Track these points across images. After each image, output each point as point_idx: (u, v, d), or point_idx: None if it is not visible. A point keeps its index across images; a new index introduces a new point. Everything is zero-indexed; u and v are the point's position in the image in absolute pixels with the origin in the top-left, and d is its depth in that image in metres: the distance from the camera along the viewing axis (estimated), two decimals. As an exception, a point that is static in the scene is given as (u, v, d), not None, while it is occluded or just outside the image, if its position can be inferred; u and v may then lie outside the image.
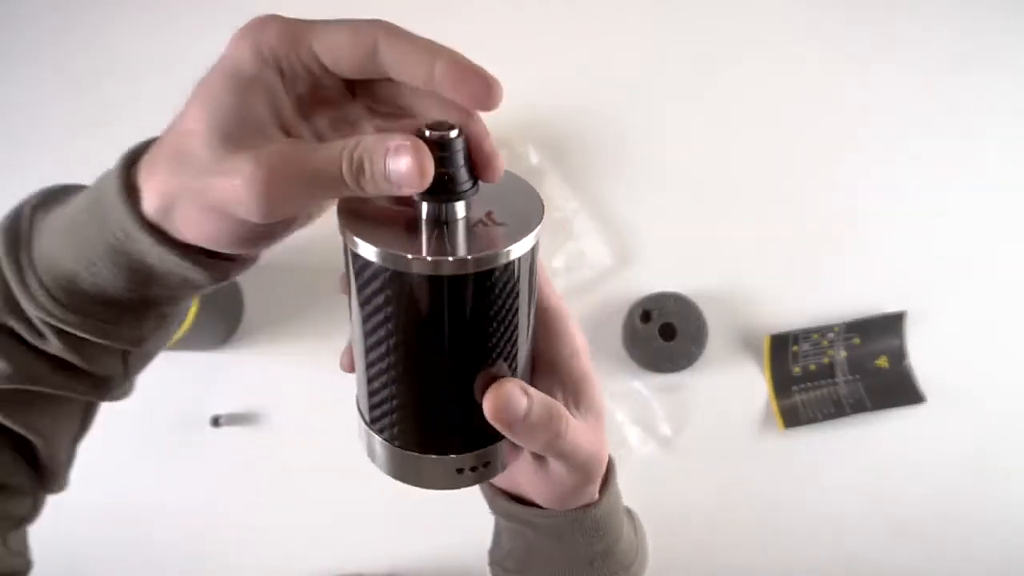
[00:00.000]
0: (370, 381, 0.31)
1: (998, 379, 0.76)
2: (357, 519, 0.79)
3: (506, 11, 0.83)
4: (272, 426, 0.80)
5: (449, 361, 0.29)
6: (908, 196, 0.79)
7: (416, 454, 0.32)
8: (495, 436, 0.32)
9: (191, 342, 0.72)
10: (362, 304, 0.29)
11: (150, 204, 0.29)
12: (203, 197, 0.28)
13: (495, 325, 0.29)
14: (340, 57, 0.28)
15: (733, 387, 0.78)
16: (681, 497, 0.78)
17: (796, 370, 0.76)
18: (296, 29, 0.28)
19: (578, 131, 0.81)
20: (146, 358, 0.36)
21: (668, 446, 0.78)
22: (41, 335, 0.33)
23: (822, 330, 0.76)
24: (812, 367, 0.76)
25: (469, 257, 0.27)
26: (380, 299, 0.28)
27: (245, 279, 0.80)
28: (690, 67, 0.81)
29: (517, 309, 0.30)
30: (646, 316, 0.77)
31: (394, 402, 0.31)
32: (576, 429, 0.32)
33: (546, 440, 0.31)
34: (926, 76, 0.79)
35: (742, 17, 0.81)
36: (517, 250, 0.28)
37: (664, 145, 0.80)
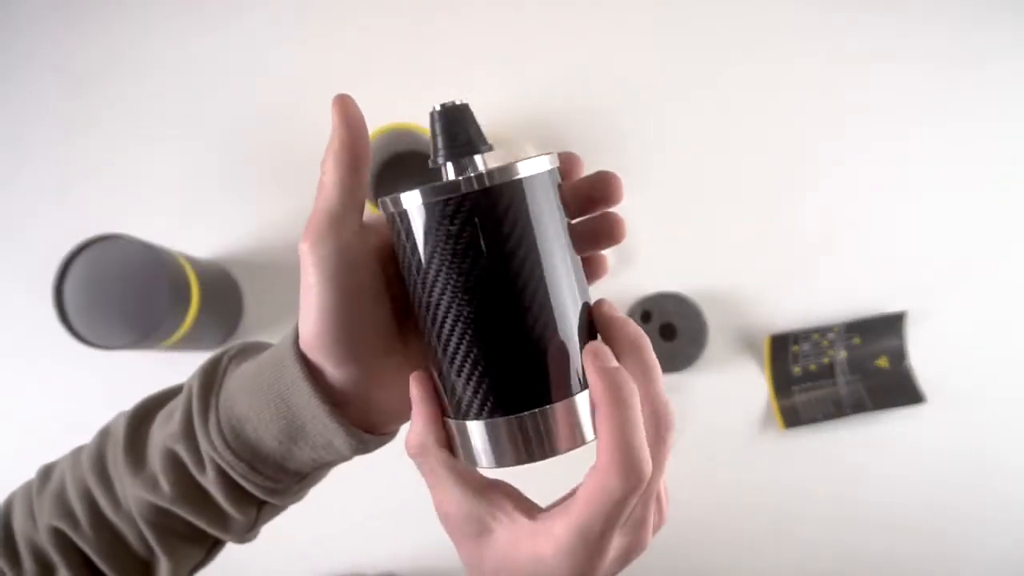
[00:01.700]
0: (458, 356, 0.30)
1: (998, 379, 0.76)
2: (356, 519, 0.79)
3: (506, 11, 0.83)
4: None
5: (540, 278, 0.30)
6: (909, 196, 0.79)
7: (539, 408, 0.30)
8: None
9: (191, 342, 0.72)
10: (430, 264, 0.30)
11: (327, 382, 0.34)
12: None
13: (561, 231, 0.31)
14: None
15: (733, 387, 0.78)
16: (681, 497, 0.78)
17: (796, 370, 0.76)
18: None
19: (578, 131, 0.81)
20: (274, 512, 0.40)
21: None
22: (203, 468, 0.36)
23: (822, 330, 0.76)
24: (812, 367, 0.76)
25: (519, 161, 0.30)
26: (454, 240, 0.29)
27: (245, 279, 0.80)
28: (690, 67, 0.81)
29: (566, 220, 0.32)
30: (646, 316, 0.77)
31: (495, 360, 0.30)
32: None
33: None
34: (926, 76, 0.79)
35: (742, 17, 0.81)
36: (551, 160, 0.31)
37: (664, 145, 0.80)
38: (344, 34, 0.83)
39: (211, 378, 0.37)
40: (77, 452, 0.41)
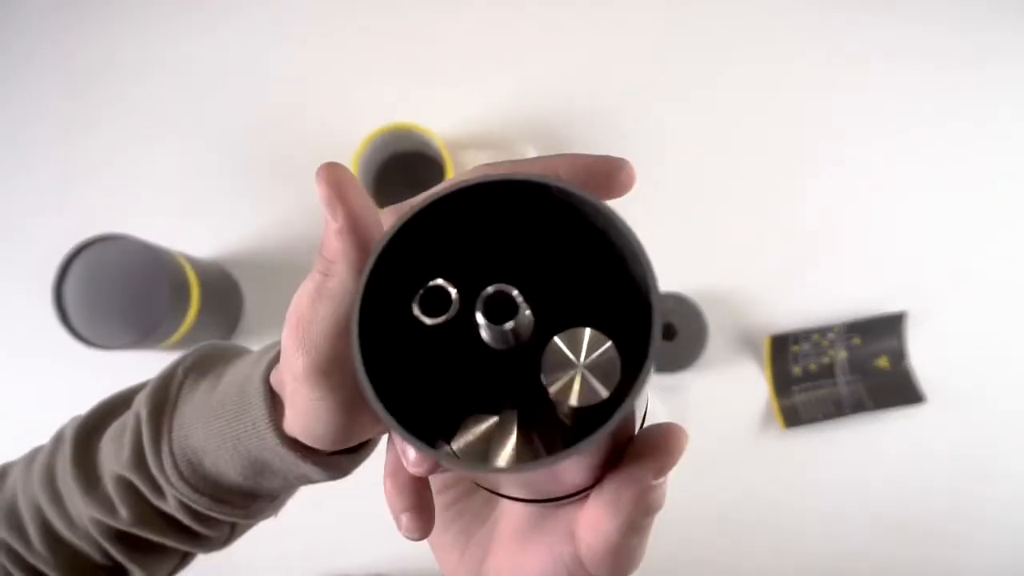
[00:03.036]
0: None
1: (998, 379, 0.76)
2: (356, 518, 0.79)
3: (507, 11, 0.83)
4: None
5: None
6: (909, 196, 0.79)
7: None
8: None
9: (191, 342, 0.72)
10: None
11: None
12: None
13: None
14: None
15: (733, 387, 0.78)
16: (681, 497, 0.78)
17: (796, 370, 0.76)
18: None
19: (577, 131, 0.81)
20: (252, 526, 0.38)
21: (668, 446, 0.78)
22: (161, 495, 0.34)
23: (822, 330, 0.76)
24: (812, 367, 0.76)
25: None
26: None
27: (245, 279, 0.80)
28: (690, 67, 0.81)
29: None
30: (646, 316, 0.77)
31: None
32: None
33: None
34: (927, 76, 0.79)
35: (742, 18, 0.81)
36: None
37: (663, 145, 0.80)
38: (344, 34, 0.83)
39: (162, 400, 0.34)
40: (31, 457, 0.39)
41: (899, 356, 0.74)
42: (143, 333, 0.64)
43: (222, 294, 0.76)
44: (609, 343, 0.21)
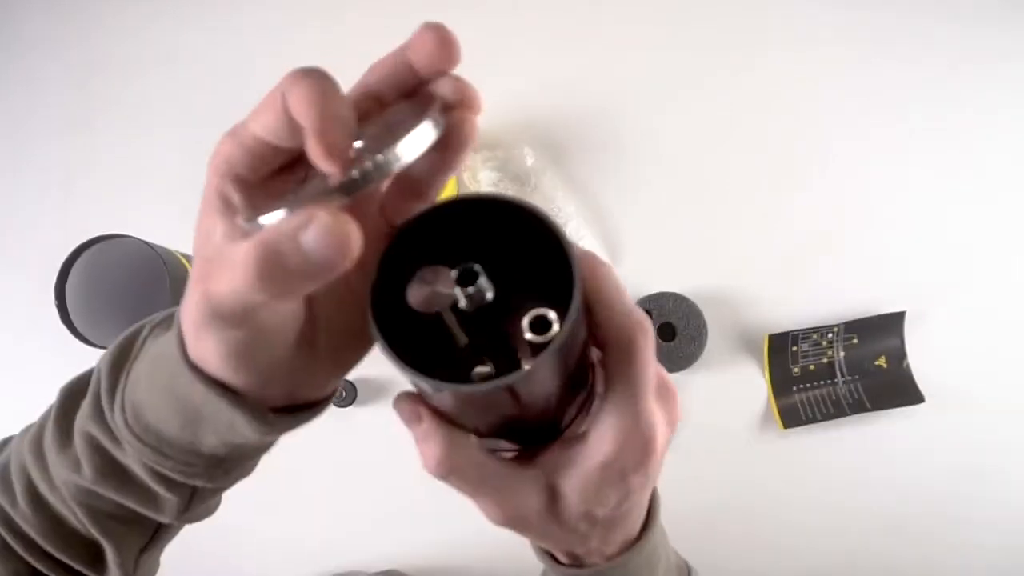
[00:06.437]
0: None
1: (997, 379, 0.76)
2: (355, 518, 0.79)
3: (506, 11, 0.83)
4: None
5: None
6: (908, 196, 0.79)
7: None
8: None
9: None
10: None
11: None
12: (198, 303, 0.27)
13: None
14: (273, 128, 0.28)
15: (733, 387, 0.78)
16: (681, 497, 0.78)
17: (796, 370, 0.76)
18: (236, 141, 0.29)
19: (575, 132, 0.81)
20: (210, 494, 0.37)
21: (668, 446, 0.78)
22: (120, 446, 0.34)
23: (821, 330, 0.76)
24: (812, 367, 0.76)
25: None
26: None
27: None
28: (690, 67, 0.81)
29: None
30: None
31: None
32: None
33: None
34: (926, 76, 0.79)
35: (742, 19, 0.82)
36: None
37: (662, 145, 0.81)
38: (345, 34, 0.83)
39: (124, 353, 0.35)
40: (30, 425, 0.40)
41: (898, 356, 0.74)
42: (144, 333, 0.64)
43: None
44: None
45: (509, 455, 0.32)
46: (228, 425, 0.31)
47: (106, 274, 0.65)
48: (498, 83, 0.85)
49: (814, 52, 0.80)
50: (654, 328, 0.76)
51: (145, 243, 0.65)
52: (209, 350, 0.28)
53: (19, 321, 0.81)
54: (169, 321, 0.35)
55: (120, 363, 0.34)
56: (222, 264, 0.25)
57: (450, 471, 0.29)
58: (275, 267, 0.23)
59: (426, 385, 0.26)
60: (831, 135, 0.80)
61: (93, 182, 0.82)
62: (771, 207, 0.80)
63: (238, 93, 0.84)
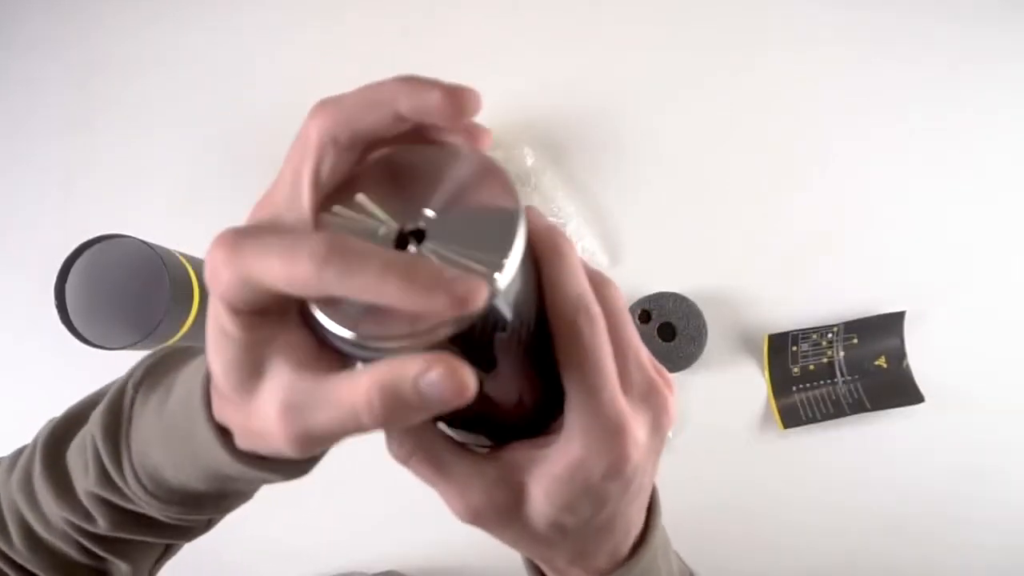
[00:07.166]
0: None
1: (997, 379, 0.76)
2: (355, 518, 0.79)
3: (506, 12, 0.83)
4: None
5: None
6: (908, 196, 0.79)
7: None
8: None
9: (191, 341, 0.72)
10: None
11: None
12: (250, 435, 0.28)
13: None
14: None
15: (733, 387, 0.78)
16: (680, 497, 0.78)
17: (795, 370, 0.76)
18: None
19: (575, 132, 0.81)
20: (233, 510, 0.38)
21: (667, 446, 0.78)
22: (137, 504, 0.35)
23: (821, 330, 0.76)
24: (811, 367, 0.76)
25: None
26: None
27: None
28: (690, 67, 0.81)
29: None
30: (645, 316, 0.77)
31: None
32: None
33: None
34: (926, 76, 0.79)
35: (742, 18, 0.82)
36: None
37: (662, 144, 0.81)
38: (345, 34, 0.83)
39: (116, 419, 0.34)
40: (14, 459, 0.40)
41: (898, 356, 0.74)
42: (144, 333, 0.64)
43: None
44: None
45: (483, 451, 0.31)
46: (262, 481, 0.32)
47: (106, 274, 0.65)
48: (498, 83, 0.85)
49: (814, 52, 0.80)
50: (654, 328, 0.76)
51: (145, 243, 0.65)
52: (274, 450, 0.27)
53: (19, 321, 0.81)
54: (152, 379, 0.35)
55: (115, 429, 0.34)
56: (325, 401, 0.23)
57: (410, 454, 0.28)
58: (394, 409, 0.22)
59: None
60: (831, 135, 0.80)
61: (93, 182, 0.82)
62: (771, 207, 0.80)
63: (238, 93, 0.84)
